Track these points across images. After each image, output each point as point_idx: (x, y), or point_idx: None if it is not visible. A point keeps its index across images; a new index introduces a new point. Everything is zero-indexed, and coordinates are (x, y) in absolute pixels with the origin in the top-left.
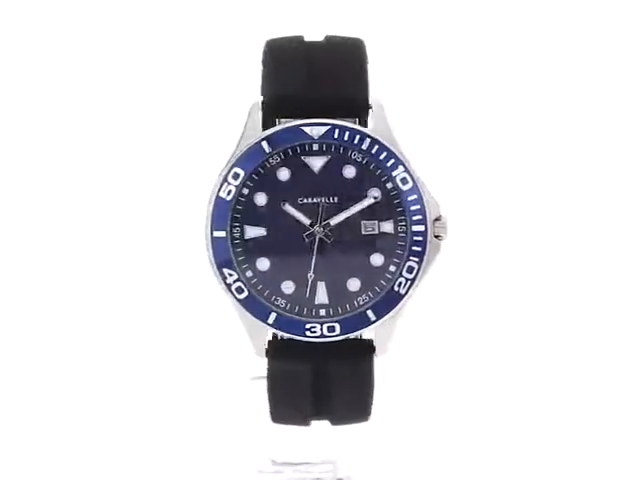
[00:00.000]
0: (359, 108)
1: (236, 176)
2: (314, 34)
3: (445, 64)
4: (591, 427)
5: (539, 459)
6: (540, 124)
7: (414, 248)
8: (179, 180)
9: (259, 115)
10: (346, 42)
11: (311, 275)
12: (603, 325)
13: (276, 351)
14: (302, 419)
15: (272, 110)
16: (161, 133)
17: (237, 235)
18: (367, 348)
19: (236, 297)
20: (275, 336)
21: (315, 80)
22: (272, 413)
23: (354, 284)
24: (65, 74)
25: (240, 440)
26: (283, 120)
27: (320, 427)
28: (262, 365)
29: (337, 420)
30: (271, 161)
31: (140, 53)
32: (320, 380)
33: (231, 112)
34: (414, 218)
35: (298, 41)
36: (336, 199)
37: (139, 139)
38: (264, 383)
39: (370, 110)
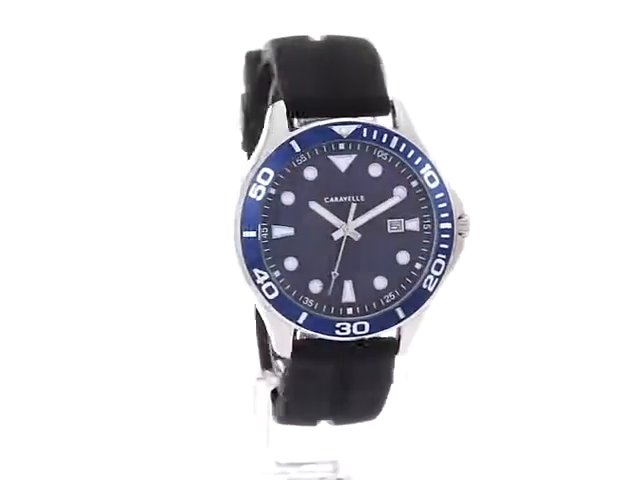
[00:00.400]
0: (381, 106)
1: (266, 176)
2: (310, 33)
3: (447, 62)
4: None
5: (544, 463)
6: (554, 120)
7: (442, 245)
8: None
9: (284, 115)
10: (356, 42)
11: (335, 274)
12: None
13: (300, 351)
14: (313, 420)
15: (293, 111)
16: (175, 134)
17: (265, 235)
18: (389, 347)
19: (266, 297)
20: (295, 335)
21: (336, 80)
22: (282, 414)
23: (380, 282)
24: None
25: (242, 441)
26: (301, 120)
27: (319, 427)
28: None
29: (346, 420)
30: (298, 160)
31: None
32: (340, 380)
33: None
34: (442, 216)
35: (309, 41)
36: (362, 198)
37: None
38: (269, 384)
39: (392, 108)
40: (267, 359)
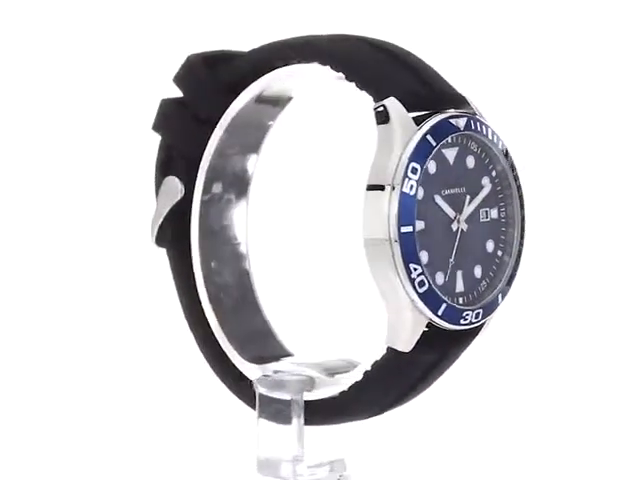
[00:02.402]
0: (463, 100)
1: (415, 171)
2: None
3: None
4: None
5: (544, 464)
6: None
7: (523, 232)
8: None
9: (403, 109)
10: (386, 41)
11: (452, 263)
12: None
13: (420, 343)
14: (361, 417)
15: (407, 106)
16: None
17: None
18: (475, 332)
19: (417, 291)
20: None
21: (423, 77)
22: (338, 412)
23: (478, 271)
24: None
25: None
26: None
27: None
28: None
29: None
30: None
31: None
32: (431, 369)
33: None
34: (522, 203)
35: (337, 39)
36: (464, 189)
37: None
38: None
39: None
40: (239, 374)
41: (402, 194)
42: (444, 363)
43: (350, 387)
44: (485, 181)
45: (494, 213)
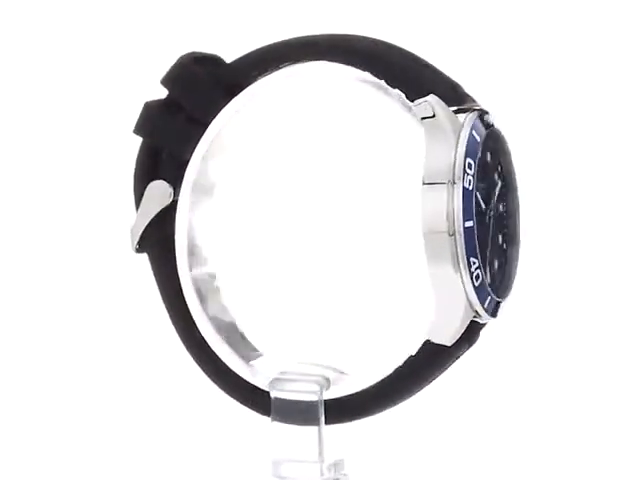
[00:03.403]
0: (468, 98)
1: (470, 166)
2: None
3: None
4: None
5: (544, 465)
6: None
7: (524, 226)
8: None
9: (445, 106)
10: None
11: (488, 256)
12: None
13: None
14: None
15: (447, 102)
16: None
17: None
18: (484, 325)
19: (474, 284)
20: None
21: (441, 76)
22: (372, 403)
23: (496, 264)
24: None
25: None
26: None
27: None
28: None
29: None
30: None
31: None
32: (456, 360)
33: None
34: (523, 197)
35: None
36: (486, 184)
37: None
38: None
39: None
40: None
41: (464, 189)
42: (464, 354)
43: (378, 383)
44: (496, 176)
45: (501, 207)
